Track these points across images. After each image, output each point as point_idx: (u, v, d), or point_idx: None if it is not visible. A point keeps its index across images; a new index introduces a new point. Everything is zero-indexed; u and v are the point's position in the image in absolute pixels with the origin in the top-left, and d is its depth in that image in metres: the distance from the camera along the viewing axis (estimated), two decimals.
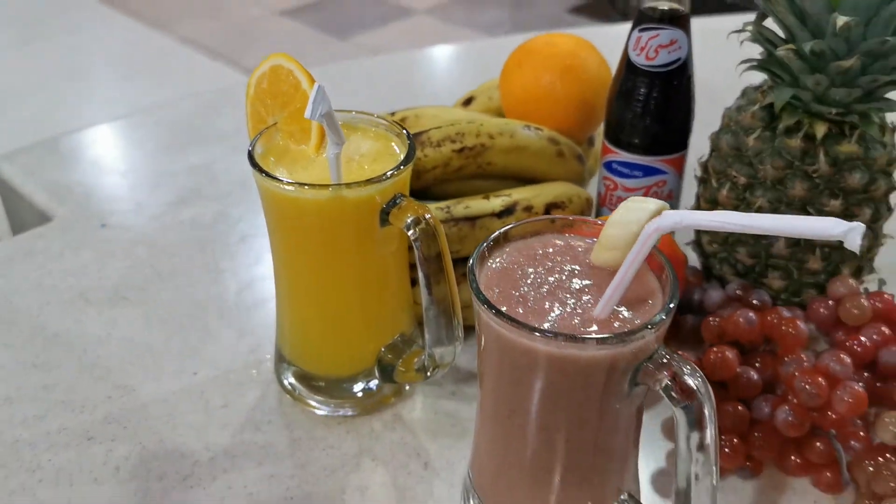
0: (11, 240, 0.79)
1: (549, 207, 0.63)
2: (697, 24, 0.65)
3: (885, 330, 0.56)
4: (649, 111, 0.64)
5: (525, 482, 0.47)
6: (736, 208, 0.61)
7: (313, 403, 0.59)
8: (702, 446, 0.40)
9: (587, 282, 0.43)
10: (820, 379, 0.51)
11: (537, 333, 0.39)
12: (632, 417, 0.44)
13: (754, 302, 0.61)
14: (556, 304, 0.42)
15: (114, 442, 0.57)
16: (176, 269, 0.74)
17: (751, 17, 0.60)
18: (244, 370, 0.63)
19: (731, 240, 0.63)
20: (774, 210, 0.59)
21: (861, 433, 0.53)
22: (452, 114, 0.71)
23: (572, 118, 0.71)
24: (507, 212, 0.62)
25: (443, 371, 0.56)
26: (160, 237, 0.79)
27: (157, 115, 1.02)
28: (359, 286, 0.56)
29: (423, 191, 0.65)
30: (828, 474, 0.53)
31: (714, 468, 0.41)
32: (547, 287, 0.43)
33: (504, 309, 0.41)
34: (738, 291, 0.62)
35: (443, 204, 0.62)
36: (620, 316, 0.41)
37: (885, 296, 0.59)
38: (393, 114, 0.71)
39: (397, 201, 0.51)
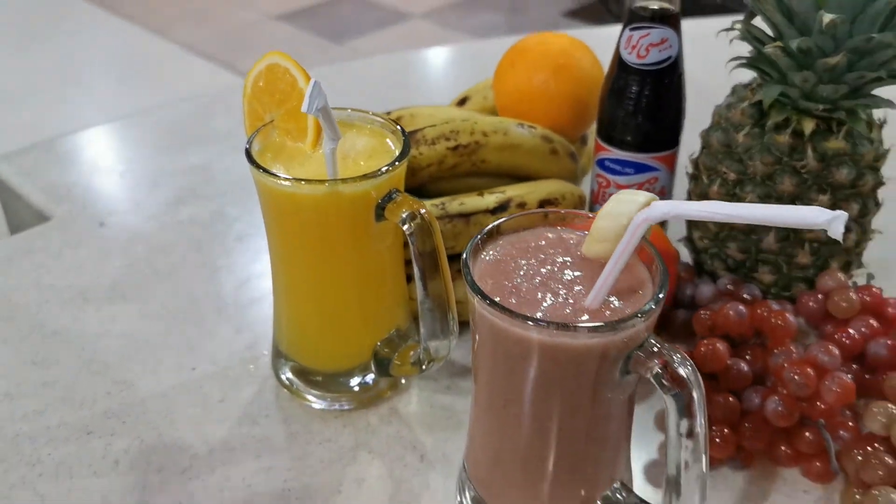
0: (10, 239, 0.80)
1: (543, 204, 0.64)
2: (688, 24, 0.67)
3: (874, 323, 0.57)
4: (641, 109, 0.65)
5: (519, 472, 0.47)
6: None
7: (310, 398, 0.60)
8: (691, 433, 0.41)
9: (579, 273, 0.44)
10: (809, 369, 0.52)
11: (530, 322, 0.40)
12: (623, 406, 0.45)
13: (745, 296, 0.62)
14: (549, 295, 0.43)
15: (113, 436, 0.58)
16: (174, 267, 0.75)
17: (740, 17, 0.61)
18: (241, 365, 0.64)
19: (721, 235, 0.64)
20: None
21: (850, 423, 0.53)
22: (447, 113, 0.72)
23: (565, 116, 0.72)
24: (500, 208, 0.63)
25: (438, 364, 0.57)
26: (158, 236, 0.79)
27: (154, 117, 1.03)
28: (355, 281, 0.56)
29: (418, 188, 0.66)
30: (817, 464, 0.53)
31: (704, 456, 0.42)
32: (539, 278, 0.44)
33: (497, 299, 0.42)
34: (729, 286, 0.63)
35: (437, 201, 0.63)
36: (611, 305, 0.42)
37: (874, 289, 0.60)
38: (388, 113, 0.72)
39: (392, 196, 0.52)
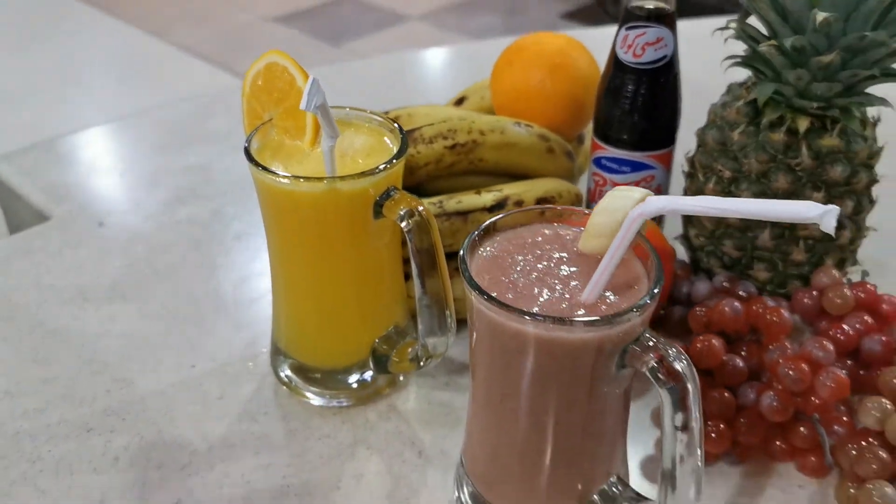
0: (10, 238, 0.80)
1: (540, 202, 0.65)
2: (683, 25, 0.67)
3: (868, 319, 0.58)
4: (637, 108, 0.66)
5: (516, 466, 0.48)
6: None
7: (309, 395, 0.61)
8: (686, 427, 0.41)
9: (575, 268, 0.44)
10: (803, 365, 0.53)
11: (527, 317, 0.41)
12: (619, 401, 0.46)
13: (741, 293, 0.62)
14: (545, 290, 0.43)
15: (113, 433, 0.58)
16: (173, 267, 0.75)
17: (735, 17, 0.62)
18: (241, 363, 0.65)
19: (717, 233, 0.64)
20: None
21: (844, 418, 0.54)
22: (445, 112, 0.72)
23: (562, 115, 0.72)
24: (498, 206, 0.64)
25: (435, 361, 0.57)
26: (157, 235, 0.80)
27: (153, 117, 1.03)
28: (354, 278, 0.57)
29: (415, 187, 0.66)
30: (812, 458, 0.54)
31: (698, 449, 0.42)
32: (536, 274, 0.44)
33: (494, 294, 0.42)
34: (724, 283, 0.63)
35: (435, 199, 0.64)
36: (607, 300, 0.42)
37: (868, 286, 0.60)
38: (386, 113, 0.72)
39: (391, 194, 0.53)
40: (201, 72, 2.71)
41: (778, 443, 0.55)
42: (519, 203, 0.64)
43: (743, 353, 0.57)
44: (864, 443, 0.52)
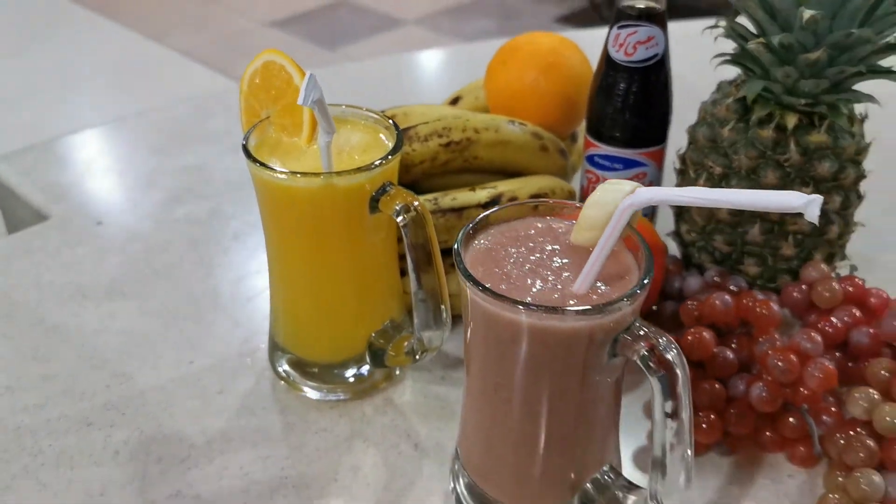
0: (9, 237, 0.81)
1: (533, 199, 0.66)
2: (675, 26, 0.68)
3: (856, 312, 0.59)
4: (629, 105, 0.67)
5: (511, 456, 0.49)
6: None
7: (306, 389, 0.61)
8: (676, 414, 0.42)
9: (567, 260, 0.45)
10: (792, 356, 0.54)
11: (520, 306, 0.41)
12: (611, 390, 0.47)
13: (731, 288, 0.63)
14: (538, 281, 0.44)
15: (113, 427, 0.59)
16: (171, 265, 0.76)
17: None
18: (239, 359, 0.65)
19: (708, 228, 0.65)
20: None
21: (833, 409, 0.55)
22: (440, 111, 0.73)
23: (555, 114, 0.73)
24: (492, 203, 0.64)
25: (431, 354, 0.58)
26: (155, 234, 0.80)
27: (150, 118, 1.04)
28: (350, 273, 0.58)
29: (411, 185, 0.67)
30: (801, 448, 0.55)
31: (688, 436, 0.43)
32: (529, 265, 0.45)
33: (488, 285, 0.43)
34: (715, 278, 0.64)
35: (430, 196, 0.65)
36: (599, 290, 0.43)
37: (856, 280, 0.61)
38: (382, 112, 0.73)
39: (386, 189, 0.54)
40: (200, 76, 2.72)
41: (768, 433, 0.56)
42: (513, 199, 0.65)
43: (733, 345, 0.58)
44: (852, 432, 0.53)
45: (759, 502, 0.54)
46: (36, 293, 0.72)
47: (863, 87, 0.60)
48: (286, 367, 0.62)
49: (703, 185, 0.64)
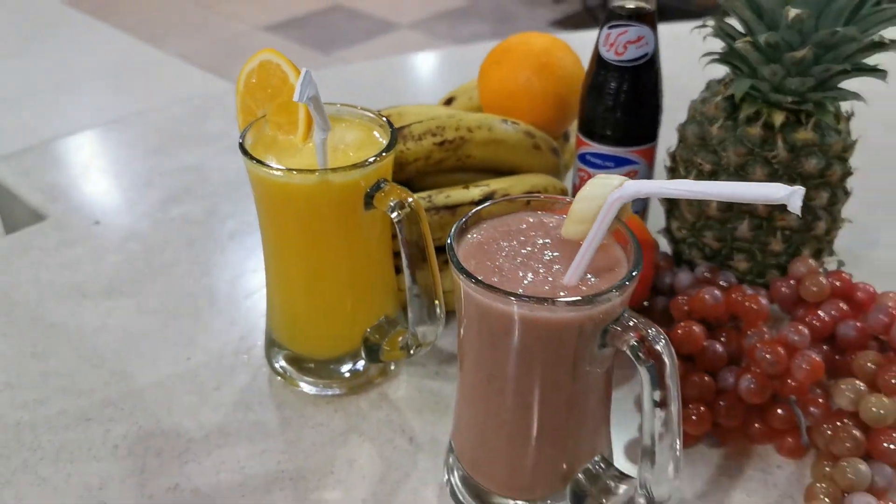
0: (8, 237, 0.82)
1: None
2: (664, 28, 0.69)
3: (843, 306, 0.60)
4: (620, 104, 0.68)
5: (503, 447, 0.50)
6: None
7: (303, 384, 0.62)
8: (664, 403, 0.43)
9: (557, 253, 0.46)
10: (779, 348, 0.55)
11: (512, 298, 0.42)
12: (602, 380, 0.48)
13: (721, 283, 0.64)
14: (529, 273, 0.45)
15: (111, 422, 0.60)
16: (168, 263, 0.77)
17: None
18: (236, 355, 0.66)
19: (698, 225, 0.66)
20: None
21: (820, 400, 0.56)
22: (434, 111, 0.74)
23: (548, 113, 0.74)
24: (485, 200, 0.65)
25: (425, 349, 0.59)
26: (152, 233, 0.81)
27: (147, 119, 1.05)
28: (345, 269, 0.59)
29: (405, 183, 0.68)
30: (789, 439, 0.56)
31: (677, 426, 0.44)
32: (520, 258, 0.46)
33: (481, 278, 0.44)
34: (706, 274, 0.65)
35: (424, 193, 0.66)
36: (589, 282, 0.44)
37: (844, 275, 0.62)
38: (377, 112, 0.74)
39: (381, 185, 0.54)
40: (196, 79, 2.73)
41: (756, 424, 0.56)
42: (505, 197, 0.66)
43: (723, 339, 0.59)
44: (838, 423, 0.54)
45: (748, 492, 0.55)
46: (35, 292, 0.73)
47: (849, 84, 0.61)
48: (282, 362, 0.63)
49: None
